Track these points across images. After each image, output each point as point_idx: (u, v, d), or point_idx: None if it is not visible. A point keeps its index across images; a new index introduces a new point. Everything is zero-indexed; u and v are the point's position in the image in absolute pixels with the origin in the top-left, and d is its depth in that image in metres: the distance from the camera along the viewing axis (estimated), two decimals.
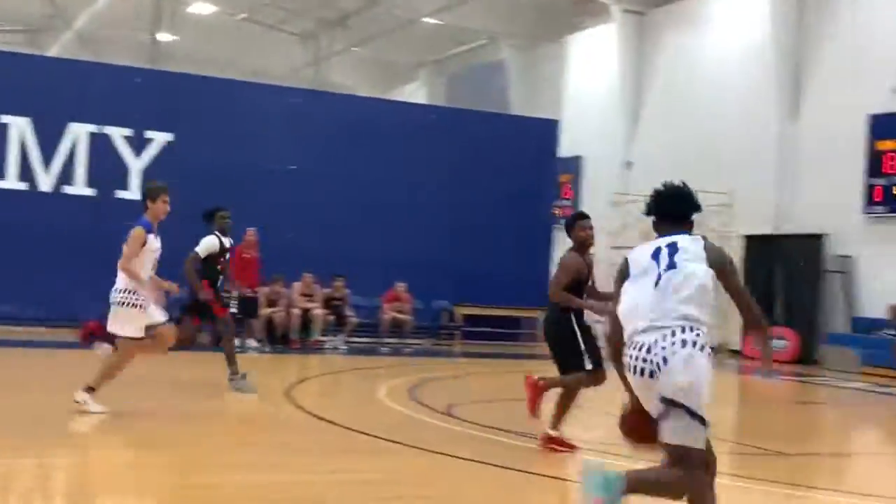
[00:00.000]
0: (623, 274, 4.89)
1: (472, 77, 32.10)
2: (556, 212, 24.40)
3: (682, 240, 4.81)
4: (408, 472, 7.16)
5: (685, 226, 4.95)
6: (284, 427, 9.00)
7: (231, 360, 10.42)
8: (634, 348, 4.65)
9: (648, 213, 5.05)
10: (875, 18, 19.21)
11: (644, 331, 4.63)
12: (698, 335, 4.61)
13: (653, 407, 4.62)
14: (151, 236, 8.64)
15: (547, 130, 21.65)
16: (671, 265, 4.71)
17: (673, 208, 5.02)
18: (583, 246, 8.35)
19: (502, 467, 7.29)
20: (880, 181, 18.70)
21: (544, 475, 7.23)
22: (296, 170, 18.75)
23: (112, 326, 8.59)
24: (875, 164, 18.80)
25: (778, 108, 21.00)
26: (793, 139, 20.82)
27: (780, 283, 20.81)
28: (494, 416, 9.74)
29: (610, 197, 23.25)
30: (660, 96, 24.73)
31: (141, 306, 8.53)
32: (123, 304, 8.50)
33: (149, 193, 8.83)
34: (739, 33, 22.31)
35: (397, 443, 8.04)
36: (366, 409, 10.18)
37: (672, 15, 24.51)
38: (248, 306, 15.72)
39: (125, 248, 8.55)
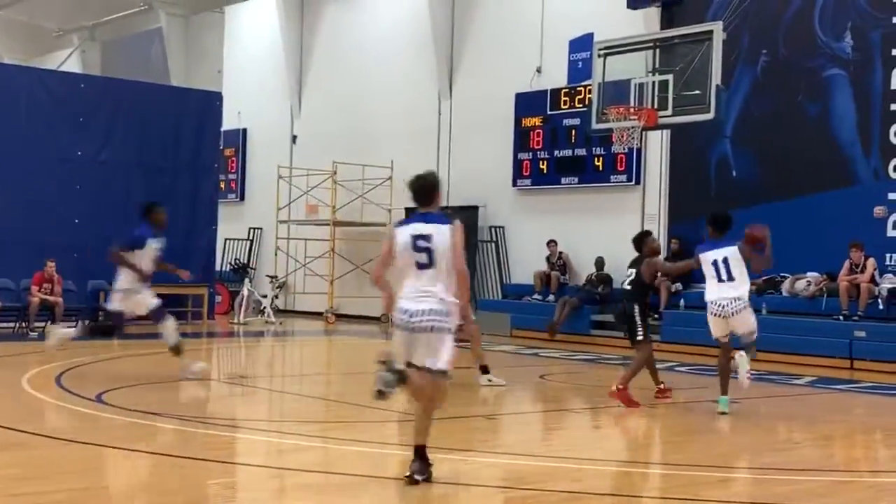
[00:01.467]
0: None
1: (129, 45, 30.72)
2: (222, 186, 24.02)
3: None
4: (47, 465, 6.71)
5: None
6: None
7: None
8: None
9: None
10: (521, 3, 20.42)
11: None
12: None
13: None
14: None
15: (209, 103, 21.09)
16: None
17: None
18: (655, 254, 10.32)
19: (148, 452, 7.06)
20: (527, 156, 20.00)
21: (192, 458, 7.06)
22: None
23: None
24: (522, 139, 20.08)
25: (435, 85, 21.83)
26: (448, 115, 21.76)
27: None
28: (147, 399, 9.40)
29: (276, 170, 23.18)
30: (323, 70, 24.89)
31: None
32: None
33: None
34: (398, 9, 22.89)
35: (37, 434, 7.54)
36: (5, 399, 9.47)
37: None
38: None
39: None
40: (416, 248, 6.27)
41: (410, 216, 6.61)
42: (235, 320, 20.63)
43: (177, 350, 10.89)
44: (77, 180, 18.61)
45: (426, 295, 6.23)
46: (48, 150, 18.24)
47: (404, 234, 6.34)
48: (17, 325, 16.65)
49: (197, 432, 8.08)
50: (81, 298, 17.79)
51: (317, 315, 22.32)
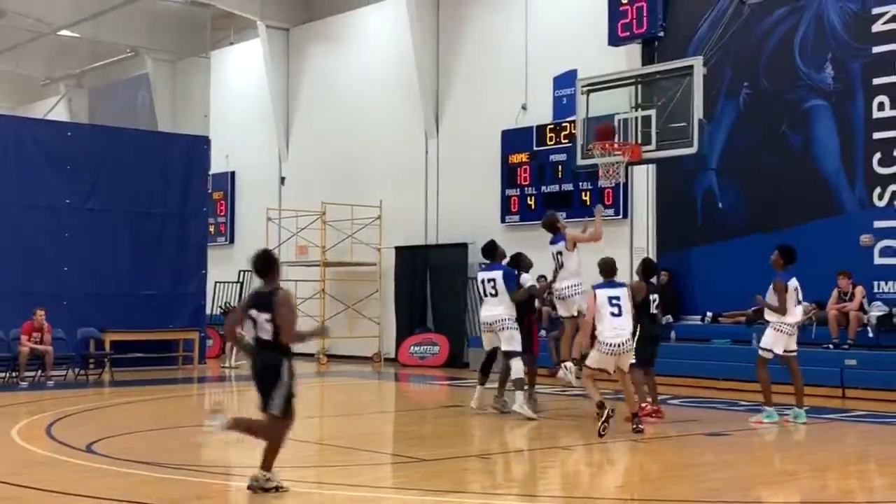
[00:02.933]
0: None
1: (115, 92, 30.85)
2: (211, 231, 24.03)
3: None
4: None
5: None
6: None
7: None
8: None
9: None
10: (505, 42, 20.59)
11: None
12: None
13: None
14: None
15: (197, 147, 21.18)
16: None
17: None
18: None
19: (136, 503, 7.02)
20: (514, 192, 20.08)
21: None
22: None
23: None
24: (510, 175, 20.17)
25: (422, 124, 21.95)
26: (436, 154, 21.86)
27: (430, 292, 21.77)
28: (136, 447, 9.34)
29: (265, 212, 23.21)
30: (309, 112, 25.03)
31: None
32: None
33: None
34: (383, 51, 23.05)
35: (29, 487, 7.49)
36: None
37: (315, 31, 24.89)
38: None
39: None
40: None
41: None
42: (227, 364, 20.54)
43: None
44: (66, 228, 18.63)
45: None
46: (36, 198, 18.30)
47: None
48: (8, 374, 16.57)
49: (189, 481, 8.01)
50: (72, 346, 17.74)
51: (309, 356, 22.25)
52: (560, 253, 11.60)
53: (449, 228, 21.32)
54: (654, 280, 12.04)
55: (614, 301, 10.34)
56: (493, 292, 11.67)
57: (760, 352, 11.29)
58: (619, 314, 10.30)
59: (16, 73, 31.47)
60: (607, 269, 10.76)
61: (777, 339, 11.09)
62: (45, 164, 18.64)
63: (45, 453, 9.23)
